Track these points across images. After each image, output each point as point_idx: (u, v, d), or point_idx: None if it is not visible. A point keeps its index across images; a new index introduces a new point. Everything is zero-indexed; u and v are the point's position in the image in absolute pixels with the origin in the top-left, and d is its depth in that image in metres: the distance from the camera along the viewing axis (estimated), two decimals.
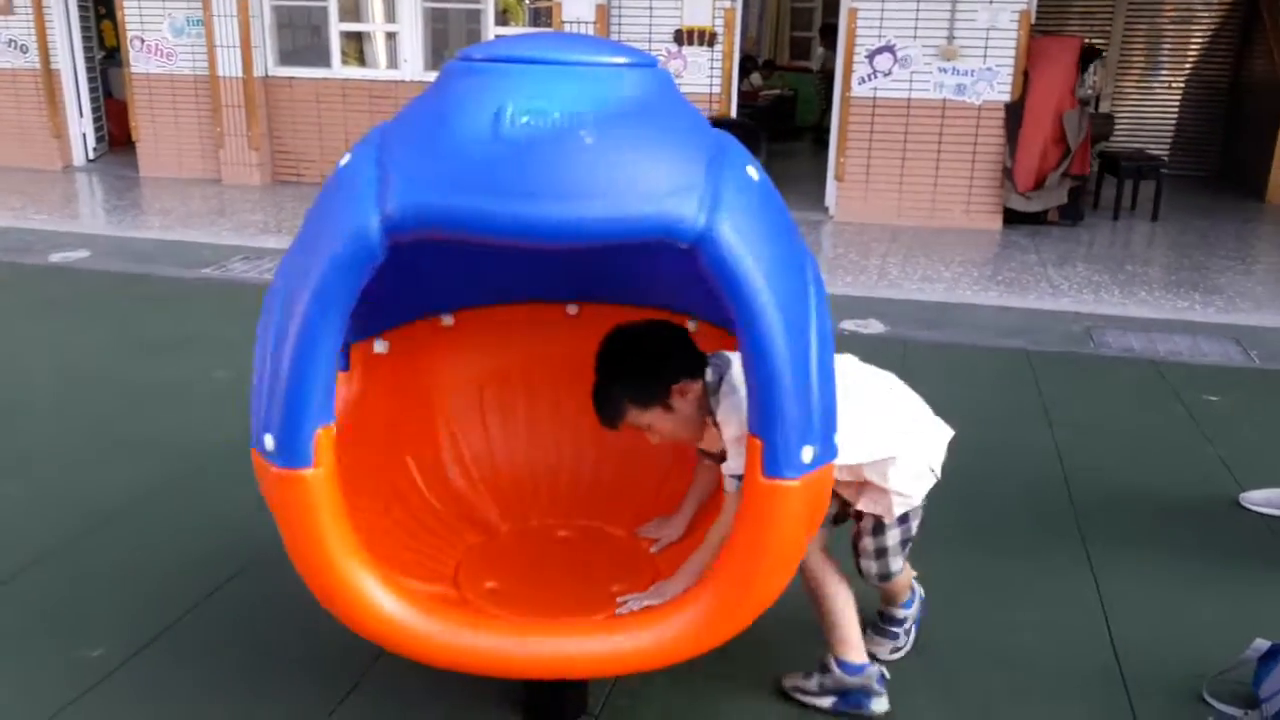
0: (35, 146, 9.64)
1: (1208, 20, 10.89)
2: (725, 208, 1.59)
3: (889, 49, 7.75)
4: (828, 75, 12.01)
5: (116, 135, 10.30)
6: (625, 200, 1.53)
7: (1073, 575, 2.84)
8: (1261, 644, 2.29)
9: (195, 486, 3.28)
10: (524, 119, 1.53)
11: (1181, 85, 11.13)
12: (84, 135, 9.89)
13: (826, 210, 8.32)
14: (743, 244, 1.60)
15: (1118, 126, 10.94)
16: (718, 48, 8.04)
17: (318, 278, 1.56)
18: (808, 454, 1.72)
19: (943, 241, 7.48)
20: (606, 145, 1.55)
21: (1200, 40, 10.97)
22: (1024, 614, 2.65)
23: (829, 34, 12.32)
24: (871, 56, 7.80)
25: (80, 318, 5.25)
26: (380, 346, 2.47)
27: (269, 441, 1.68)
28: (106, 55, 10.44)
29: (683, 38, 8.04)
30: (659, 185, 1.56)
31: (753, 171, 1.72)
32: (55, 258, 6.44)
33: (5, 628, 2.52)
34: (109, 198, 8.70)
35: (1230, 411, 4.14)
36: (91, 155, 9.98)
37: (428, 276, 2.42)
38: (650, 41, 8.07)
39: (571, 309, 2.71)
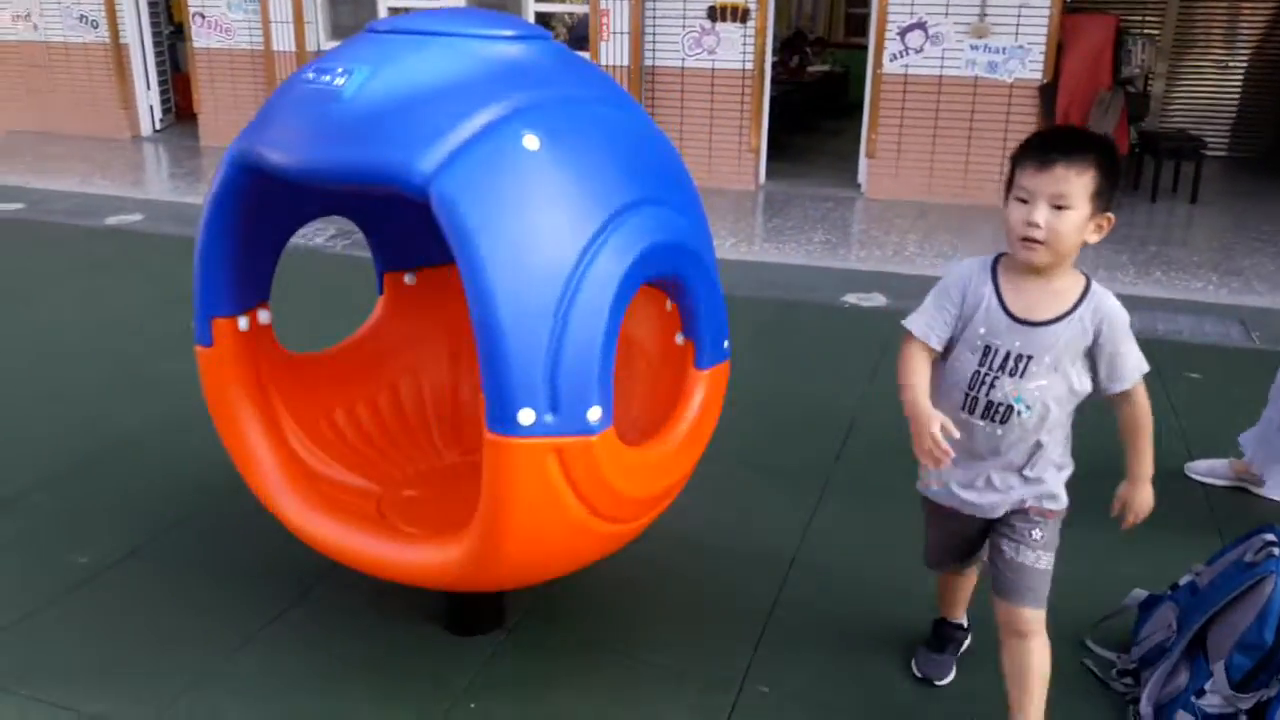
0: (105, 117, 10.17)
1: None
2: (462, 165, 1.75)
3: (920, 25, 7.75)
4: None
5: (183, 107, 10.78)
6: (366, 148, 1.78)
7: None
8: (1139, 594, 2.42)
9: (199, 424, 3.59)
10: (315, 78, 1.81)
11: (1242, 66, 10.83)
12: (151, 107, 10.39)
13: (859, 187, 8.38)
14: (468, 200, 1.74)
15: (1174, 108, 10.72)
16: (750, 24, 8.13)
17: (207, 202, 1.89)
18: (526, 416, 1.81)
19: (971, 219, 7.50)
20: (376, 101, 1.80)
21: (1262, 19, 10.66)
22: None
23: None
24: (903, 33, 7.81)
25: (125, 275, 5.64)
26: (410, 279, 2.82)
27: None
28: (175, 30, 10.92)
29: (716, 14, 8.15)
30: (401, 138, 1.78)
31: (531, 141, 1.83)
32: (111, 220, 6.87)
33: (18, 533, 2.91)
34: (169, 165, 9.17)
35: (1209, 389, 4.18)
36: (158, 126, 10.48)
37: None
38: (684, 18, 8.20)
39: None
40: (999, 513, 2.04)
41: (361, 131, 1.81)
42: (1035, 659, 2.02)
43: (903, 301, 5.37)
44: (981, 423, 1.97)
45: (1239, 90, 10.88)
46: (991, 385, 1.94)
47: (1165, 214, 7.95)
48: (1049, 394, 1.92)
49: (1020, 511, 2.03)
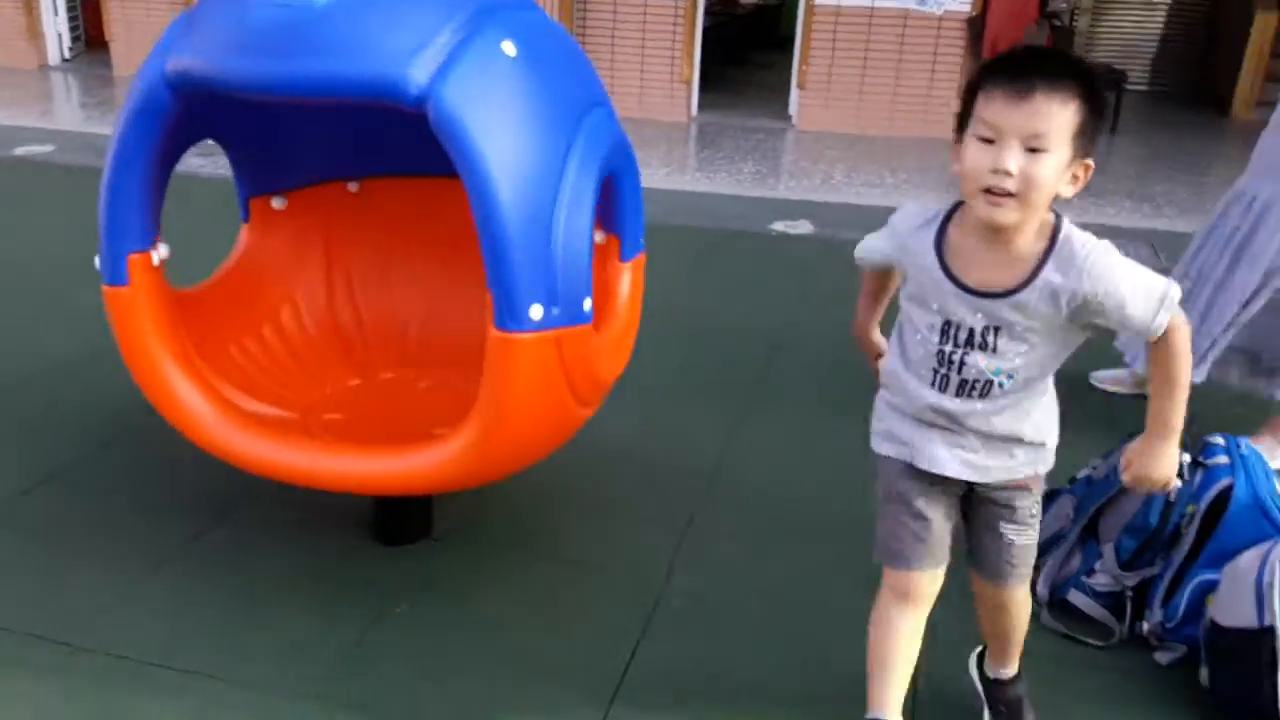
0: (9, 46, 9.69)
1: None
2: (457, 75, 1.75)
3: None
4: None
5: (95, 35, 10.34)
6: (352, 60, 1.74)
7: None
8: None
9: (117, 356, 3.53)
10: None
11: (1165, 2, 11.04)
12: (60, 35, 9.95)
13: (790, 118, 8.40)
14: (469, 109, 1.76)
15: (1099, 42, 10.90)
16: None
17: (120, 126, 1.80)
18: (536, 312, 1.90)
19: (898, 150, 7.59)
20: (347, 12, 1.75)
21: None
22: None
23: None
24: None
25: (38, 206, 5.46)
26: (278, 203, 2.74)
27: (97, 263, 1.96)
28: None
29: None
30: (388, 50, 1.76)
31: (509, 47, 1.87)
32: (19, 151, 6.62)
33: None
34: (80, 95, 8.82)
35: None
36: (67, 55, 10.04)
37: (327, 142, 2.65)
38: None
39: None
40: (992, 478, 1.68)
41: (344, 44, 1.78)
42: (1022, 615, 1.86)
43: (829, 229, 5.46)
44: (958, 400, 1.64)
45: (1162, 26, 11.10)
46: (962, 363, 1.61)
47: None
48: (1033, 357, 1.59)
49: (1015, 485, 1.71)
